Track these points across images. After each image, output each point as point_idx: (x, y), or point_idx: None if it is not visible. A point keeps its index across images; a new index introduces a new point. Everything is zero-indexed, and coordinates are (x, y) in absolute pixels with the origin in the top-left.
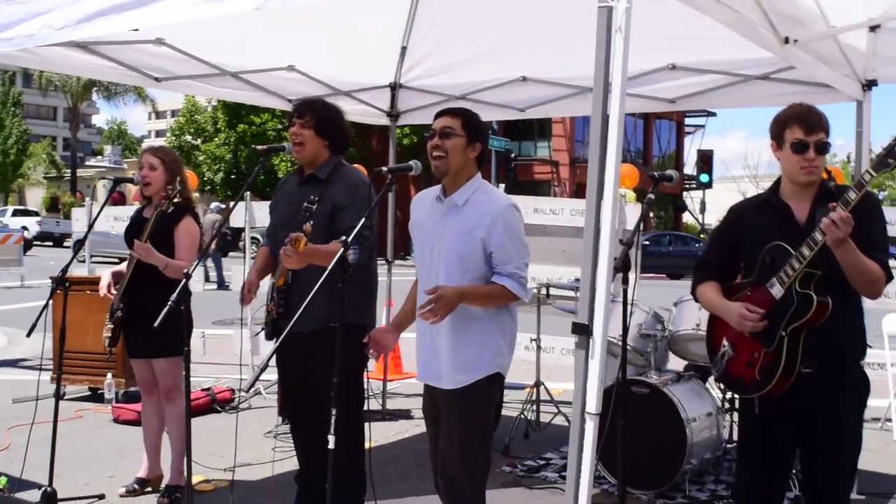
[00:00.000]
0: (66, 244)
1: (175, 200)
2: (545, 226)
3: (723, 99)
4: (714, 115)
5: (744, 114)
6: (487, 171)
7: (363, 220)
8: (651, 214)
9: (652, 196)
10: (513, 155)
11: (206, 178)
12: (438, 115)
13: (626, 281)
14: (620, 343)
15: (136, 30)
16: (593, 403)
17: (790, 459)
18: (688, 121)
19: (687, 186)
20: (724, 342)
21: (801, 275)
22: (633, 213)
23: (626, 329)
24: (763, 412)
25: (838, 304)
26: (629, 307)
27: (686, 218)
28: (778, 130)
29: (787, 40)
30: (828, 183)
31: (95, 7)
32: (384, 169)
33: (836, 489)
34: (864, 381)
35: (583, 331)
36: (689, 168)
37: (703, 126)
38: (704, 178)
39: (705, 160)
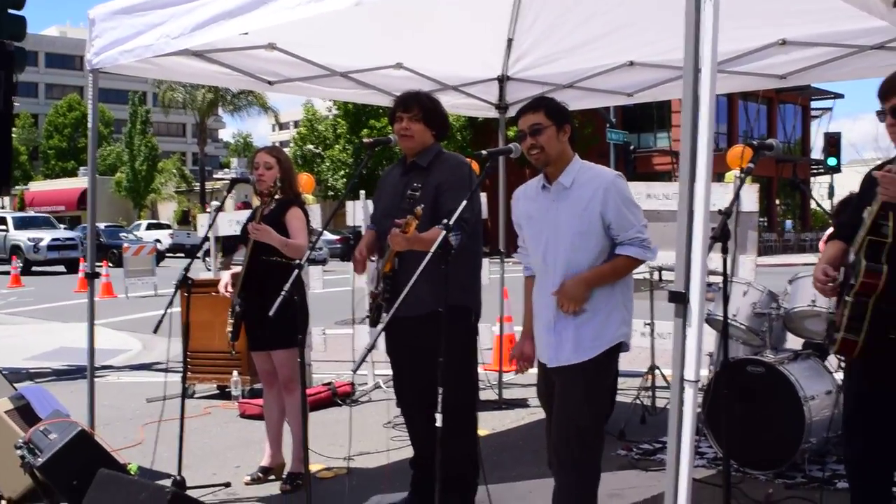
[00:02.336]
0: (197, 256)
1: (277, 197)
2: (658, 211)
3: (835, 72)
4: (842, 96)
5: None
6: (606, 164)
7: (464, 203)
8: (777, 202)
9: (752, 165)
10: (632, 147)
11: (329, 185)
12: (520, 114)
13: (725, 251)
14: (736, 324)
15: (246, 33)
16: (692, 371)
17: (887, 427)
18: (814, 104)
19: (814, 171)
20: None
21: (865, 242)
22: (750, 194)
23: (726, 298)
24: (855, 375)
25: None
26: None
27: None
28: (882, 98)
29: (895, 3)
30: None
31: (207, 15)
32: (483, 152)
33: None
34: None
35: (679, 299)
36: (817, 153)
37: (830, 109)
38: (832, 161)
39: (832, 143)
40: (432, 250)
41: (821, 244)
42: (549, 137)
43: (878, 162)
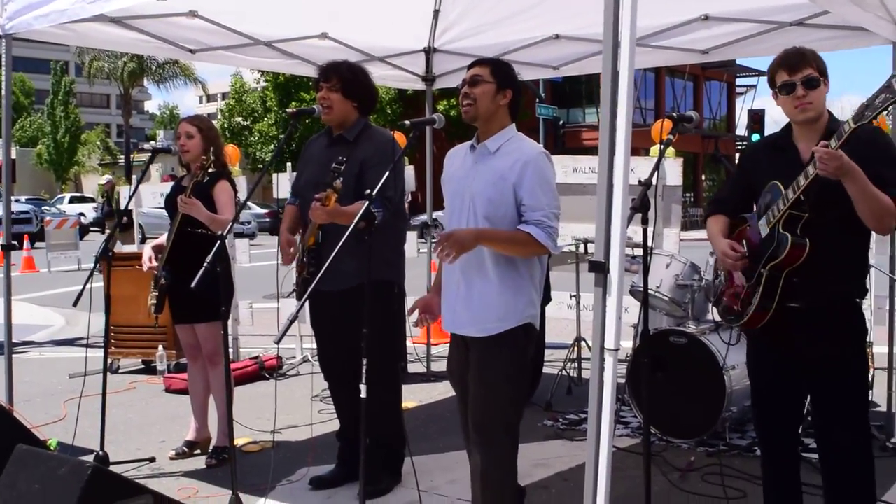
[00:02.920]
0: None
1: (210, 170)
2: (584, 184)
3: (756, 47)
4: (765, 74)
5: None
6: (536, 139)
7: (386, 175)
8: (703, 177)
9: (672, 137)
10: (561, 122)
11: (257, 157)
12: (470, 66)
13: (645, 221)
14: (659, 295)
15: None
16: (612, 339)
17: (798, 395)
18: (739, 81)
19: (739, 147)
20: (719, 272)
21: (785, 216)
22: (673, 167)
23: (646, 268)
24: (753, 347)
25: (828, 246)
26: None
27: None
28: (770, 80)
29: None
30: (837, 120)
31: None
32: (407, 122)
33: (845, 420)
34: (857, 322)
35: (599, 268)
36: (742, 130)
37: (754, 86)
38: (756, 137)
39: (756, 120)
40: (353, 223)
41: None
42: (484, 92)
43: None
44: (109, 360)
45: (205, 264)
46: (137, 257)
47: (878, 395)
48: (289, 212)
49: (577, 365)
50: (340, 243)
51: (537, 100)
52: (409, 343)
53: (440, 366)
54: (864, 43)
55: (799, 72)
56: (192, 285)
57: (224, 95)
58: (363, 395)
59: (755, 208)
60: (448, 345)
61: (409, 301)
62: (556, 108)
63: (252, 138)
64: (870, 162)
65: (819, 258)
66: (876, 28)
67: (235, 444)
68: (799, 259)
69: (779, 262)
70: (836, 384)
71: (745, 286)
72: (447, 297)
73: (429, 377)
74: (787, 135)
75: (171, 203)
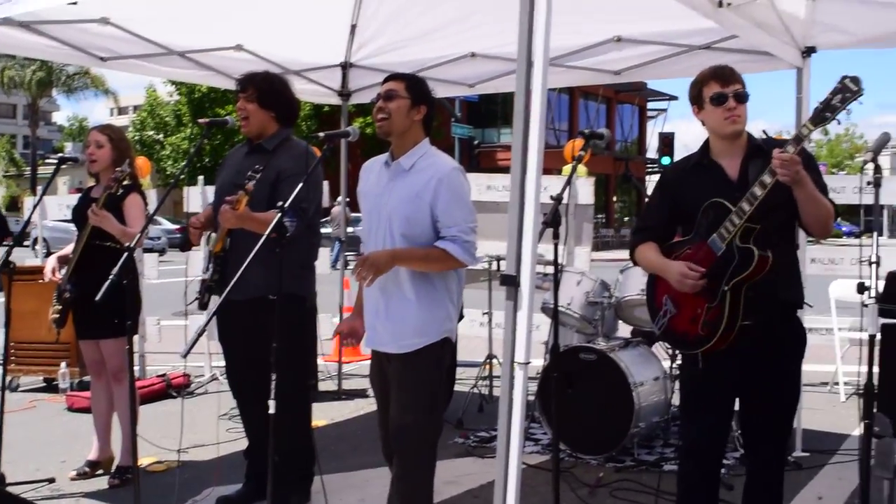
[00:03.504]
0: (25, 243)
1: (125, 183)
2: (498, 202)
3: (667, 69)
4: (676, 98)
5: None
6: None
7: (299, 186)
8: (615, 199)
9: (583, 153)
10: (476, 142)
11: (168, 172)
12: (385, 81)
13: (556, 236)
14: (570, 312)
15: (75, 2)
16: (522, 353)
17: (730, 412)
18: (650, 105)
19: (650, 170)
20: (666, 300)
21: (741, 230)
22: (585, 186)
23: (557, 282)
24: (706, 366)
25: (778, 257)
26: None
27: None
28: (696, 92)
29: (720, 4)
30: (756, 138)
31: None
32: (320, 135)
33: (775, 435)
34: (801, 331)
35: (510, 282)
36: (652, 152)
37: (665, 110)
38: (666, 160)
39: (666, 143)
40: (266, 233)
41: None
42: (399, 107)
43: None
44: (9, 378)
45: (111, 277)
46: (40, 271)
47: None
48: (207, 209)
49: (488, 382)
50: (252, 253)
51: (453, 119)
52: (320, 361)
53: (351, 384)
54: (770, 67)
55: (730, 84)
56: (97, 298)
57: (136, 108)
58: (271, 411)
59: (679, 230)
60: (359, 363)
61: (321, 317)
62: (471, 128)
63: (164, 152)
64: (807, 168)
65: (770, 269)
66: (780, 53)
67: (140, 463)
68: (764, 270)
69: (744, 276)
70: (774, 396)
71: (704, 309)
72: (368, 315)
73: (340, 395)
74: (707, 154)
75: (78, 214)
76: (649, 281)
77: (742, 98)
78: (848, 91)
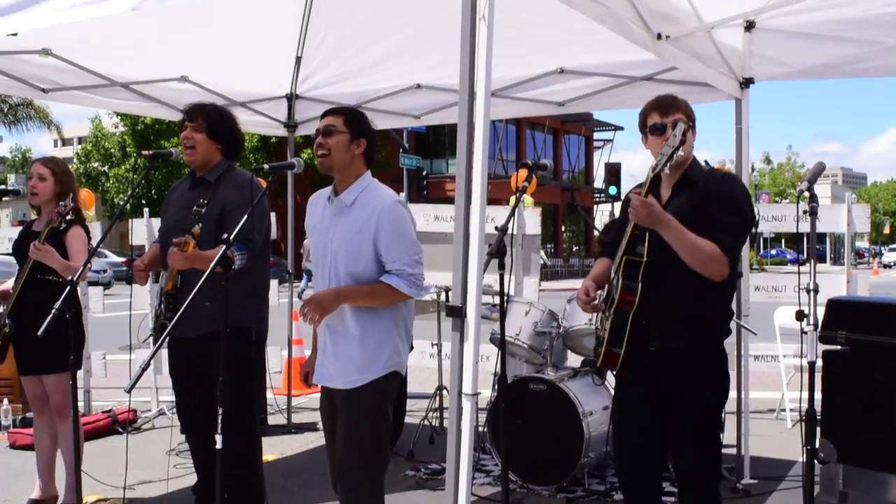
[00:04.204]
0: None
1: (68, 217)
2: (446, 233)
3: (610, 100)
4: (622, 129)
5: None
6: (399, 189)
7: (244, 218)
8: (563, 229)
9: (527, 184)
10: (425, 172)
11: (114, 203)
12: (323, 116)
13: (502, 266)
14: (518, 343)
15: (16, 34)
16: (469, 384)
17: (657, 442)
18: (596, 135)
19: (597, 200)
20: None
21: (623, 262)
22: (532, 217)
23: (503, 313)
24: (619, 388)
25: (674, 289)
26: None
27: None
28: (641, 123)
29: (659, 36)
30: (690, 171)
31: None
32: (265, 166)
33: (692, 462)
34: (717, 365)
35: (456, 313)
36: (599, 182)
37: (611, 140)
38: (612, 190)
39: (613, 173)
40: (210, 267)
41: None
42: (338, 142)
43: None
44: None
45: (53, 310)
46: None
47: (729, 437)
48: (152, 247)
49: (439, 414)
50: (196, 288)
51: (401, 150)
52: (269, 394)
53: (301, 417)
54: (709, 98)
55: (669, 115)
56: (39, 332)
57: (80, 140)
58: (219, 446)
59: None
60: (308, 396)
61: (270, 350)
62: (419, 159)
63: (108, 184)
64: (709, 205)
65: (666, 301)
66: (719, 84)
67: (84, 501)
68: (631, 303)
69: (616, 305)
70: (691, 425)
71: (603, 328)
72: (319, 351)
73: (289, 429)
74: (658, 180)
75: (19, 248)
76: None
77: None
78: (674, 140)
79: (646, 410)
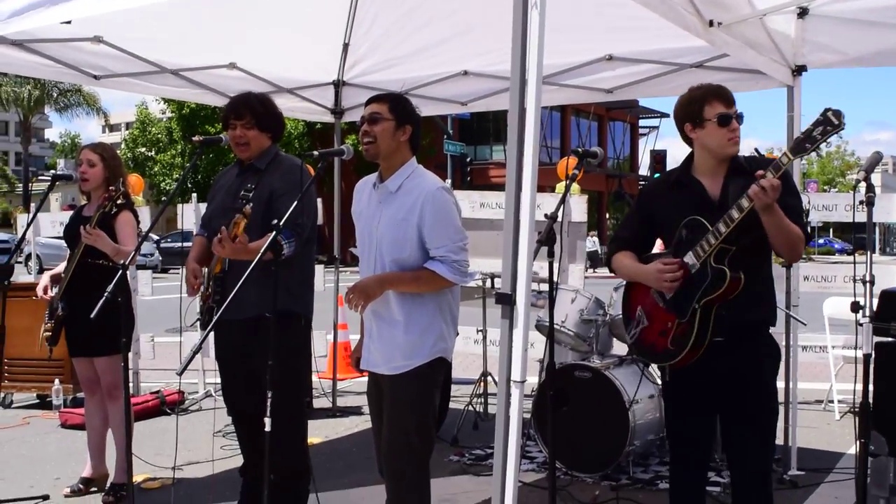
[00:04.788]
0: (18, 260)
1: (118, 201)
2: (492, 220)
3: (658, 88)
4: (668, 116)
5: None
6: (443, 175)
7: (294, 205)
8: (608, 215)
9: (577, 172)
10: (468, 159)
11: (161, 188)
12: (367, 103)
13: (551, 254)
14: (564, 330)
15: (69, 22)
16: (518, 371)
17: (710, 427)
18: (642, 122)
19: (642, 186)
20: (640, 311)
21: (716, 250)
22: (579, 204)
23: (552, 301)
24: (675, 381)
25: (749, 277)
26: (557, 283)
27: None
28: (695, 110)
29: (711, 23)
30: (738, 158)
31: (24, 2)
32: (315, 153)
33: (755, 450)
34: (773, 348)
35: (506, 300)
36: (644, 170)
37: (657, 127)
38: (658, 177)
39: (658, 160)
40: (260, 252)
41: None
42: (384, 129)
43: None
44: (2, 394)
45: (105, 294)
46: (34, 288)
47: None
48: (197, 242)
49: (483, 400)
50: (245, 274)
51: (445, 136)
52: (314, 378)
53: (346, 401)
54: (760, 86)
55: (733, 105)
56: (91, 316)
57: (128, 125)
58: (267, 429)
59: (658, 244)
60: (353, 380)
61: (315, 334)
62: (463, 145)
63: (156, 169)
64: (783, 193)
65: (742, 289)
66: (771, 71)
67: (134, 480)
68: (735, 291)
69: (716, 296)
70: (749, 412)
71: (675, 324)
72: (365, 336)
73: (334, 412)
74: (688, 170)
75: (70, 233)
76: (625, 292)
77: (741, 120)
78: (829, 124)
79: (702, 401)
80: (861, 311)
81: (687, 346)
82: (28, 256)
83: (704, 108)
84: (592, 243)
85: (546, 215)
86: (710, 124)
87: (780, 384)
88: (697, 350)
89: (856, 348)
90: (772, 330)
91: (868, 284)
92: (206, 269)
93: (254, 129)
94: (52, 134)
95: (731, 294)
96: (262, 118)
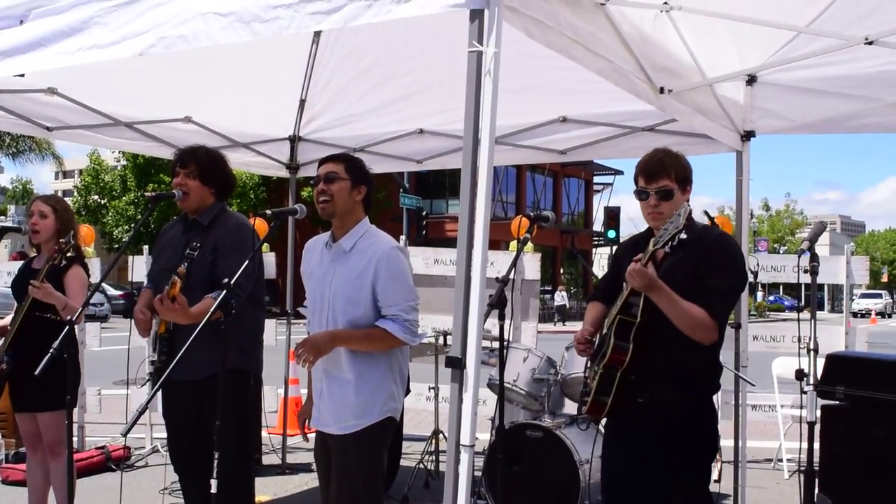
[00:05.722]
0: None
1: (69, 255)
2: (445, 276)
3: (611, 150)
4: (622, 173)
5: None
6: (399, 228)
7: (245, 264)
8: (561, 270)
9: (528, 235)
10: (424, 213)
11: (114, 237)
12: (322, 162)
13: (502, 317)
14: (516, 389)
15: (23, 75)
16: (467, 435)
17: (642, 493)
18: (597, 179)
19: (596, 243)
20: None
21: (616, 321)
22: (532, 262)
23: (503, 363)
24: (607, 440)
25: (665, 347)
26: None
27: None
28: (635, 182)
29: (662, 90)
30: (695, 226)
31: None
32: (268, 212)
33: None
34: (705, 415)
35: (456, 364)
36: (598, 225)
37: (611, 184)
38: (611, 234)
39: (612, 217)
40: (207, 316)
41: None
42: (340, 189)
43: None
44: None
45: (51, 350)
46: None
47: (725, 487)
48: (144, 295)
49: (434, 458)
50: (194, 334)
51: (401, 190)
52: (264, 433)
53: (296, 457)
54: (710, 150)
55: (654, 182)
56: (37, 372)
57: (81, 172)
58: (213, 490)
59: None
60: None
61: (266, 389)
62: (419, 199)
63: (108, 217)
64: (701, 267)
65: (656, 356)
66: (720, 137)
67: None
68: (622, 363)
69: (606, 361)
70: (679, 482)
71: (590, 377)
72: (315, 394)
73: (284, 469)
74: (648, 235)
75: (18, 285)
76: None
77: (666, 195)
78: (677, 221)
79: (631, 461)
80: (805, 379)
81: (588, 400)
82: None
83: (655, 178)
84: (562, 297)
85: (497, 278)
86: (651, 197)
87: (729, 443)
88: (600, 407)
89: (801, 413)
90: (722, 389)
91: (812, 353)
92: (154, 327)
93: (196, 179)
94: (3, 179)
95: (618, 363)
96: (206, 170)
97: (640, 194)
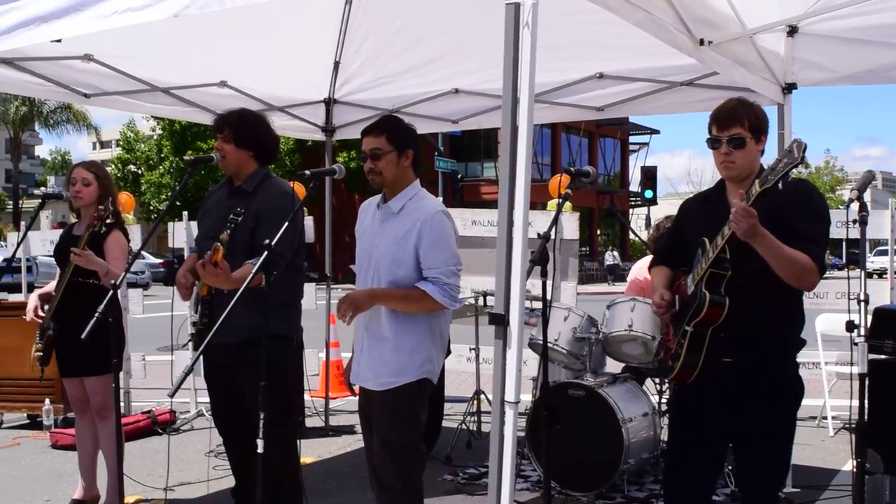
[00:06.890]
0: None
1: (108, 221)
2: (483, 237)
3: (649, 106)
4: (658, 132)
5: (690, 132)
6: (434, 192)
7: (282, 230)
8: (598, 232)
9: (569, 191)
10: (459, 176)
11: (150, 207)
12: (363, 134)
13: (544, 274)
14: (557, 348)
15: (59, 41)
16: (512, 392)
17: (716, 451)
18: (632, 139)
19: (633, 203)
20: (663, 325)
21: (706, 274)
22: (570, 222)
23: (546, 320)
24: (679, 399)
25: (753, 301)
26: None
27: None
28: (708, 131)
29: (701, 42)
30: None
31: (16, 19)
32: (307, 173)
33: (765, 475)
34: (792, 375)
35: (499, 321)
36: (635, 186)
37: (647, 144)
38: (648, 194)
39: (649, 177)
40: (246, 282)
41: (632, 273)
42: (387, 163)
43: (692, 193)
44: None
45: (96, 315)
46: (24, 307)
47: None
48: (190, 258)
49: (476, 418)
50: (234, 298)
51: (436, 153)
52: (307, 397)
53: (338, 420)
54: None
55: (727, 129)
56: (83, 336)
57: (118, 142)
58: (259, 450)
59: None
60: (345, 398)
61: (307, 353)
62: (454, 162)
63: (145, 186)
64: (791, 214)
65: (745, 313)
66: (761, 89)
67: (126, 501)
68: (718, 318)
69: (700, 319)
70: (763, 438)
71: (675, 342)
72: (356, 351)
73: (327, 431)
74: (720, 189)
75: (60, 252)
76: None
77: (738, 143)
78: (791, 157)
79: (711, 422)
80: (856, 330)
81: (677, 365)
82: (29, 269)
83: (726, 125)
84: (613, 257)
85: (538, 234)
86: (724, 145)
87: None
88: (690, 370)
89: (851, 367)
90: None
91: (863, 304)
92: (196, 290)
93: (230, 143)
94: (42, 151)
95: (713, 319)
96: (240, 133)
97: (713, 143)
